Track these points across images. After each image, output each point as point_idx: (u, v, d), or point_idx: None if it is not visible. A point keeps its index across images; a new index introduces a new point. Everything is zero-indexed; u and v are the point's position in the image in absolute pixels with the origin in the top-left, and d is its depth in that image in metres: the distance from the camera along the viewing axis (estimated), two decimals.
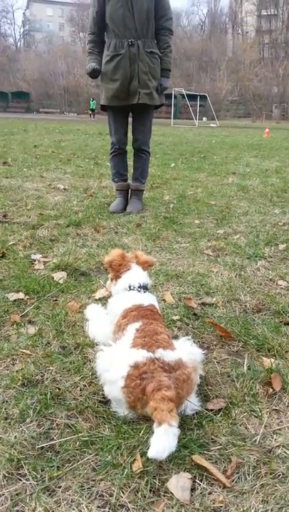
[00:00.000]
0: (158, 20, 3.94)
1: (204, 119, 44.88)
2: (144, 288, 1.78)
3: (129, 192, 4.42)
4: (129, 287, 1.77)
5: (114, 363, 1.39)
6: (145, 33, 3.86)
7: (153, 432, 1.21)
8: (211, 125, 33.67)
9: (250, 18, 70.02)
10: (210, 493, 1.16)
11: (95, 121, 32.31)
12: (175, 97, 35.17)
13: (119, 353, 1.43)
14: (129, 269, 1.82)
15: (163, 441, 1.16)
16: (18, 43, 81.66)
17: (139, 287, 1.76)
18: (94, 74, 3.99)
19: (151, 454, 1.15)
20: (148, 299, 1.72)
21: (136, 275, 1.80)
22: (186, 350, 1.46)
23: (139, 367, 1.34)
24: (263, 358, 1.79)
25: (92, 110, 40.88)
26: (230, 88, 58.73)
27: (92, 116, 40.42)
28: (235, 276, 2.68)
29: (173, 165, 7.92)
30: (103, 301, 2.16)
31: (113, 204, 4.33)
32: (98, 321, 1.82)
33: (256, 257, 3.04)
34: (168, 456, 1.17)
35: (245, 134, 20.87)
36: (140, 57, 3.84)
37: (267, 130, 20.39)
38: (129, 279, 1.79)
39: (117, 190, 4.42)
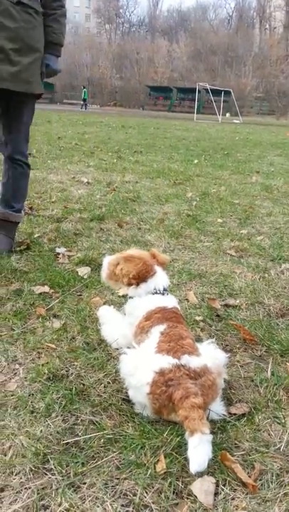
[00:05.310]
0: None
1: (227, 114, 44.40)
2: (166, 290, 1.78)
3: None
4: (155, 291, 1.75)
5: (139, 367, 1.39)
6: None
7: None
8: (234, 121, 33.29)
9: (279, 14, 68.72)
10: (233, 499, 1.16)
11: (86, 112, 31.89)
12: (199, 91, 34.88)
13: (143, 357, 1.43)
14: (155, 273, 1.78)
15: (201, 452, 1.17)
16: None
17: (164, 290, 1.76)
18: None
19: (193, 469, 1.16)
20: (171, 302, 1.72)
21: (161, 279, 1.78)
22: (210, 355, 1.46)
23: (165, 373, 1.34)
24: (287, 363, 1.77)
25: (84, 100, 40.24)
26: (255, 84, 57.89)
27: (84, 106, 39.61)
28: (259, 279, 2.66)
29: (196, 161, 7.87)
30: (126, 298, 2.17)
31: None
32: (115, 323, 1.81)
33: (280, 259, 3.01)
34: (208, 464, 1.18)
35: (268, 132, 20.58)
36: (1, 12, 2.35)
37: None
38: (155, 283, 1.76)
39: None
